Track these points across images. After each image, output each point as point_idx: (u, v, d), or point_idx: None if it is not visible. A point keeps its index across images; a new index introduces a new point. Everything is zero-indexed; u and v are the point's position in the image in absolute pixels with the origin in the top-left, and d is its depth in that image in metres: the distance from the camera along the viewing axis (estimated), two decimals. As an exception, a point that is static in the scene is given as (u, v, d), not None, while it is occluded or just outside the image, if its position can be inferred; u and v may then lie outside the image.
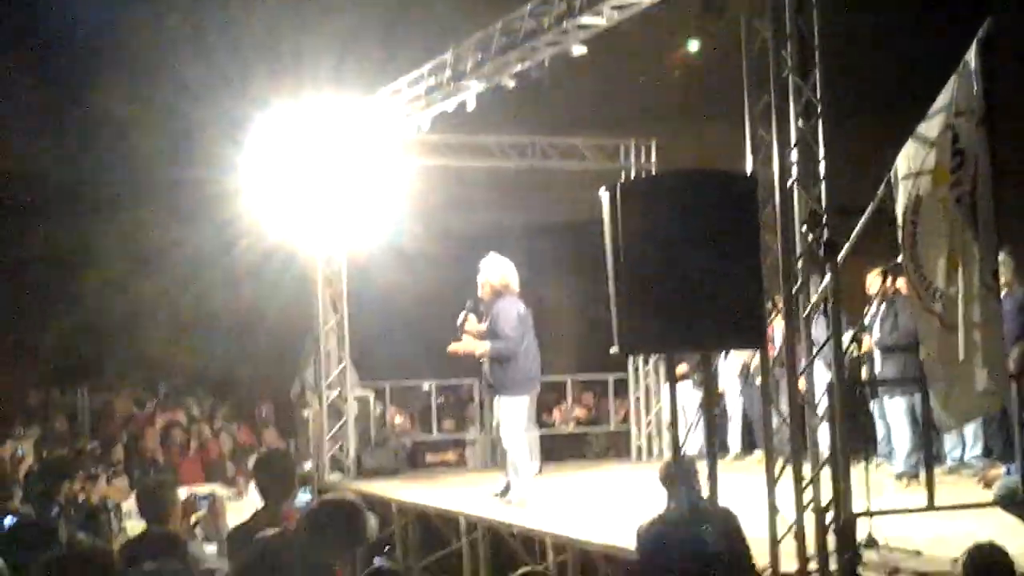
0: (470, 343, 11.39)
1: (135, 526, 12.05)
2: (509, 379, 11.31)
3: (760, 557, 7.59)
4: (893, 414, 11.70)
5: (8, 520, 6.30)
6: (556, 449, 16.05)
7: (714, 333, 6.24)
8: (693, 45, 9.08)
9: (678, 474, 6.93)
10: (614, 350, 6.48)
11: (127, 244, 19.46)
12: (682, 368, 14.14)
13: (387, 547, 11.00)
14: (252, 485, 14.07)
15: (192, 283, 18.86)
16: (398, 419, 16.61)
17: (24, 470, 11.38)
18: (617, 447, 17.00)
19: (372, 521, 6.19)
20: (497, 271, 11.37)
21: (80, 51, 17.54)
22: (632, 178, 13.97)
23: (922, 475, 11.17)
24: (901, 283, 10.20)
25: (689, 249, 6.14)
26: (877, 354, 11.70)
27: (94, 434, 15.47)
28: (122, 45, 16.53)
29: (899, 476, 11.29)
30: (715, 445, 6.87)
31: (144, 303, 19.83)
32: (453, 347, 11.51)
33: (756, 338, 6.52)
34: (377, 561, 6.75)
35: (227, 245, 14.76)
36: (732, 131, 8.42)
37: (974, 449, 11.76)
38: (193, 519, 8.00)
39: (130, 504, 12.76)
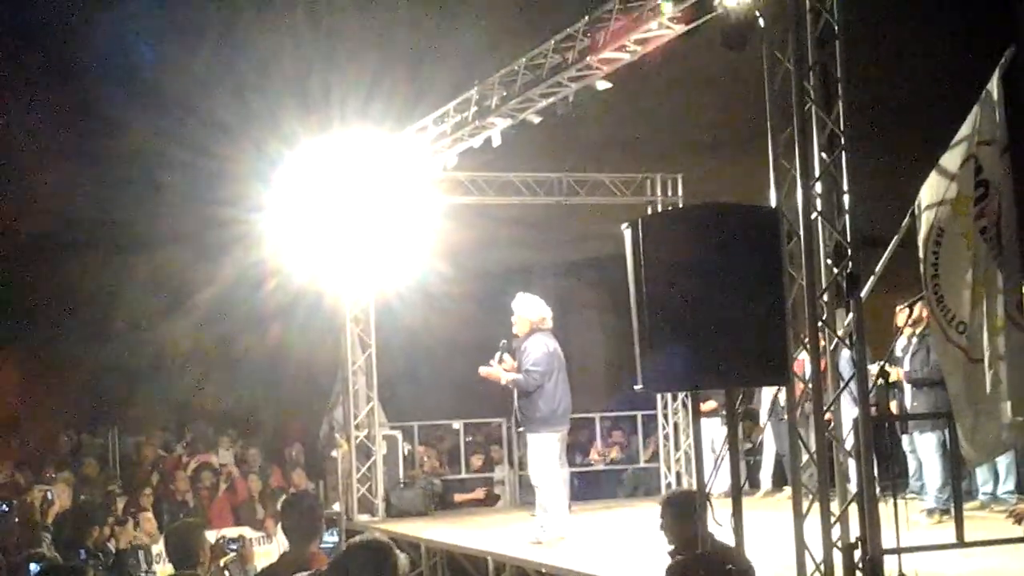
0: (497, 370, 11.37)
1: (164, 570, 12.09)
2: (538, 416, 11.32)
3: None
4: (924, 449, 11.57)
5: (34, 567, 6.29)
6: (587, 487, 15.95)
7: (738, 369, 6.17)
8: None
9: (687, 511, 6.89)
10: (638, 387, 6.43)
11: (156, 284, 19.54)
12: (711, 404, 14.09)
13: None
14: (280, 527, 14.15)
15: (220, 323, 18.89)
16: (426, 459, 16.54)
17: (53, 515, 11.38)
18: (647, 484, 16.90)
19: (403, 560, 6.13)
20: (532, 307, 11.47)
21: (111, 90, 17.65)
22: (653, 212, 13.95)
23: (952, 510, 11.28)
24: (930, 315, 10.13)
25: (712, 284, 6.08)
26: (908, 388, 11.59)
27: (124, 477, 15.46)
28: (153, 84, 16.62)
29: (929, 512, 11.15)
30: (739, 481, 6.79)
31: (173, 343, 19.88)
32: (483, 370, 11.49)
33: (781, 374, 6.45)
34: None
35: (256, 284, 14.77)
36: (758, 164, 8.38)
37: (1006, 484, 11.63)
38: (222, 563, 7.95)
39: (160, 547, 12.81)
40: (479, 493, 16.71)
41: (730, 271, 6.13)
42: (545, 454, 11.43)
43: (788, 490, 13.65)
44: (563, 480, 14.18)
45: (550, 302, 11.77)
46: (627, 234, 6.33)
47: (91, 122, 18.04)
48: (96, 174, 18.14)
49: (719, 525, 6.69)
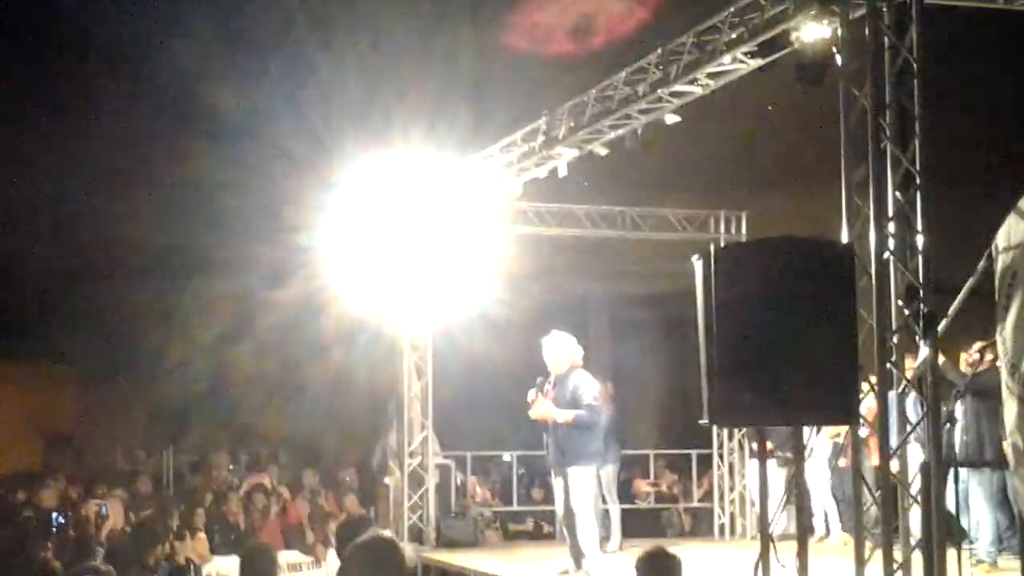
0: (552, 409, 11.23)
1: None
2: (585, 449, 11.21)
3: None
4: (975, 499, 11.34)
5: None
6: (638, 524, 15.77)
7: (807, 407, 6.06)
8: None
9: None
10: (704, 422, 6.32)
11: (218, 309, 19.64)
12: (768, 446, 13.91)
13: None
14: (330, 552, 14.10)
15: (281, 349, 18.94)
16: (478, 489, 16.46)
17: (107, 530, 11.40)
18: (698, 525, 16.72)
19: (409, 552, 6.10)
20: (571, 346, 11.34)
21: (174, 116, 17.81)
22: (726, 245, 13.84)
23: (1001, 562, 11.06)
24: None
25: (782, 319, 5.98)
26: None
27: (177, 497, 15.46)
28: (215, 109, 16.74)
29: (978, 562, 10.91)
30: (806, 523, 6.64)
31: (233, 367, 19.96)
32: (536, 412, 11.37)
33: (850, 413, 6.32)
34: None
35: (318, 310, 14.78)
36: (825, 202, 8.27)
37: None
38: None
39: (210, 567, 12.80)
40: (529, 525, 16.62)
41: (801, 307, 6.03)
42: (588, 487, 11.35)
43: (843, 535, 13.65)
44: (615, 516, 14.14)
45: (607, 334, 11.72)
46: (698, 266, 6.24)
47: (155, 149, 18.24)
48: (160, 201, 18.32)
49: (782, 567, 6.55)
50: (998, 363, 10.13)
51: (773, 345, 5.96)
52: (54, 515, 9.76)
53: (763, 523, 6.57)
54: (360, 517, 12.98)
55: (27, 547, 8.53)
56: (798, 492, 6.67)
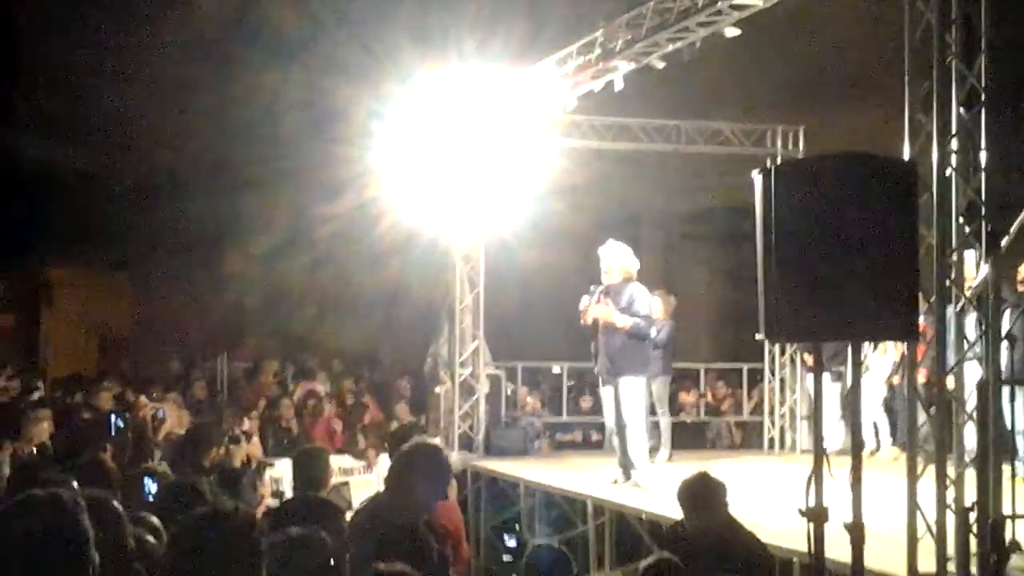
0: (612, 311, 11.21)
1: (266, 490, 12.26)
2: (638, 360, 11.34)
3: (897, 557, 7.39)
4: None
5: (149, 482, 6.38)
6: (688, 437, 15.87)
7: (867, 323, 5.99)
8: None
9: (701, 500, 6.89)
10: (760, 337, 6.29)
11: (274, 221, 19.77)
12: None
13: (517, 525, 10.98)
14: (382, 457, 14.28)
15: (337, 260, 19.06)
16: (528, 399, 16.56)
17: (163, 432, 11.59)
18: (748, 438, 16.78)
19: (454, 457, 6.24)
20: (626, 255, 11.41)
21: (229, 31, 17.80)
22: (787, 160, 13.71)
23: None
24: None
25: (843, 235, 5.89)
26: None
27: (231, 402, 15.68)
28: (269, 24, 16.72)
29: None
30: (861, 439, 6.62)
31: (287, 279, 20.13)
32: (594, 311, 11.35)
33: (909, 330, 6.25)
34: (508, 538, 6.75)
35: (372, 222, 14.82)
36: (883, 118, 8.16)
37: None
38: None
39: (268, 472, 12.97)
40: (577, 436, 16.74)
41: (863, 223, 5.94)
42: (641, 398, 11.50)
43: (893, 451, 13.66)
44: (665, 427, 14.22)
45: (659, 249, 11.75)
46: (758, 180, 6.16)
47: (210, 64, 18.26)
48: (216, 115, 18.38)
49: (834, 479, 6.56)
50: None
51: (832, 261, 5.89)
52: (112, 417, 9.91)
53: (817, 437, 6.54)
54: (411, 424, 13.14)
55: (86, 448, 8.68)
56: (853, 407, 6.64)
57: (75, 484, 4.42)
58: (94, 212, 20.31)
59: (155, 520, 4.46)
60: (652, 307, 11.54)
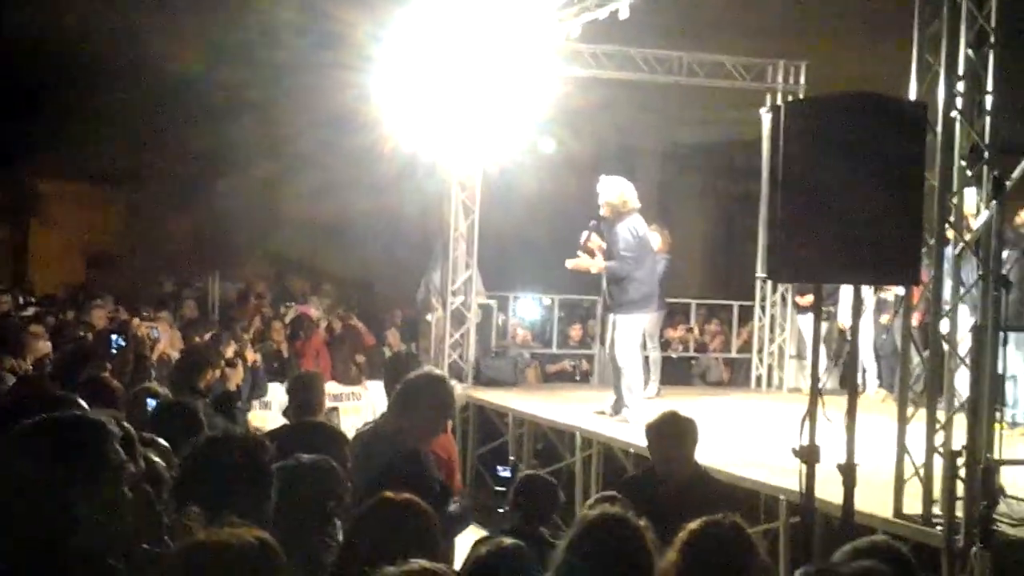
0: (585, 260, 11.45)
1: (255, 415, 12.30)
2: (626, 298, 11.39)
3: (883, 498, 7.43)
4: (1013, 360, 11.33)
5: (151, 402, 6.38)
6: (674, 372, 15.91)
7: (870, 266, 6.00)
8: None
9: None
10: (761, 276, 6.29)
11: (270, 146, 19.65)
12: (809, 299, 13.92)
13: (512, 458, 11.01)
14: (371, 384, 14.31)
15: (335, 186, 18.97)
16: (519, 330, 16.58)
17: (158, 352, 11.57)
18: (735, 375, 16.84)
19: (458, 389, 6.24)
20: (615, 190, 11.42)
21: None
22: (797, 98, 13.63)
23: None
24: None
25: (850, 177, 5.88)
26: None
27: (222, 322, 15.68)
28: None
29: (1014, 425, 10.95)
30: (856, 378, 6.64)
31: (285, 204, 20.05)
32: (570, 263, 11.56)
33: (911, 274, 6.26)
34: (502, 469, 6.76)
35: (371, 149, 14.72)
36: (886, 56, 8.08)
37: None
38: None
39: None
40: (565, 365, 16.79)
41: (870, 164, 5.92)
42: (632, 336, 11.56)
43: (880, 392, 13.73)
44: (654, 362, 14.25)
45: (654, 180, 11.74)
46: (766, 118, 6.13)
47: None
48: (209, 36, 18.19)
49: (829, 421, 6.58)
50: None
51: (839, 202, 5.87)
52: (113, 336, 9.89)
53: (814, 377, 6.56)
54: (407, 353, 13.15)
55: (85, 366, 8.67)
56: (852, 348, 6.65)
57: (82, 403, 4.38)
58: (89, 126, 20.14)
59: (163, 442, 4.45)
60: (643, 243, 11.52)
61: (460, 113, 14.06)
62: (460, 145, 14.47)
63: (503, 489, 6.45)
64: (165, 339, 12.13)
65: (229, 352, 10.62)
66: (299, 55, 17.25)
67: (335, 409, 13.01)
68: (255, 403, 12.56)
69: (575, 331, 16.78)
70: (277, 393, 12.91)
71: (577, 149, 16.97)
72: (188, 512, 3.69)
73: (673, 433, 6.99)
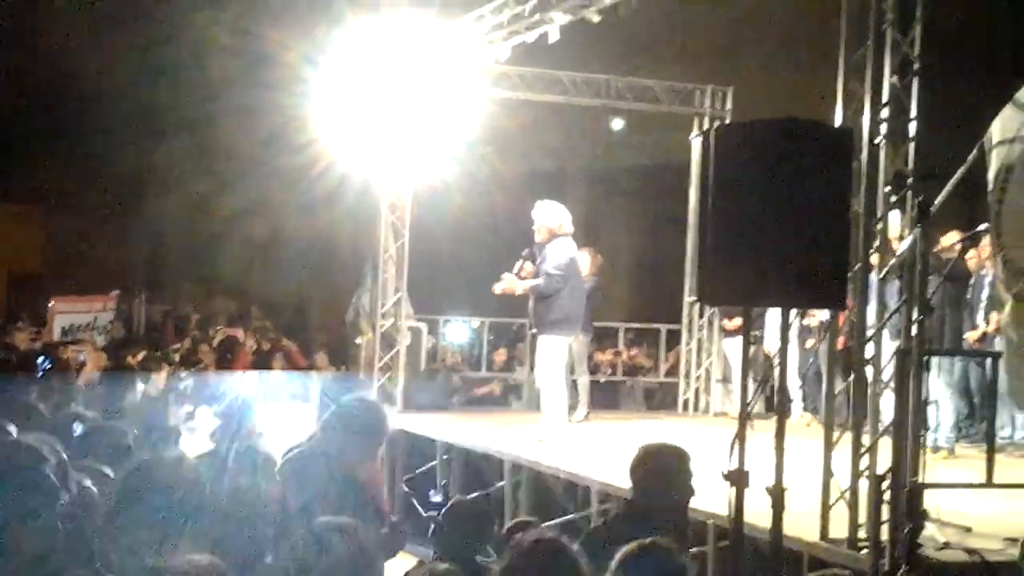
0: (512, 282, 11.55)
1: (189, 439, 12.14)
2: (551, 317, 11.48)
3: (810, 522, 7.49)
4: (936, 387, 11.52)
5: (79, 427, 6.28)
6: (604, 396, 15.96)
7: (799, 290, 6.06)
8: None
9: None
10: (692, 299, 6.35)
11: (203, 166, 19.50)
12: (737, 322, 14.06)
13: (443, 482, 10.98)
14: (299, 407, 14.20)
15: (267, 207, 18.86)
16: (449, 354, 16.55)
17: (85, 376, 11.41)
18: (662, 399, 16.90)
19: (389, 413, 6.20)
20: (551, 214, 11.56)
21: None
22: (729, 123, 13.74)
23: (958, 449, 11.35)
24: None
25: (780, 201, 5.93)
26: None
27: (148, 344, 15.49)
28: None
29: (935, 449, 11.10)
30: (787, 405, 6.70)
31: (216, 225, 19.88)
32: (497, 287, 11.70)
33: (839, 299, 6.35)
34: (434, 494, 6.74)
35: (303, 170, 14.66)
36: (812, 83, 8.19)
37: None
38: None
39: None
40: (494, 387, 16.77)
41: (799, 190, 5.99)
42: (555, 357, 11.61)
43: (798, 415, 13.88)
44: (583, 386, 14.29)
45: (582, 203, 11.87)
46: (697, 142, 6.21)
47: (136, 6, 17.90)
48: (139, 55, 18.05)
49: (757, 446, 6.63)
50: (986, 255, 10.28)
51: (768, 226, 5.93)
52: (40, 359, 9.74)
53: (742, 400, 6.61)
54: (346, 376, 13.07)
55: (11, 390, 8.51)
56: (781, 371, 6.71)
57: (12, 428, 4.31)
58: (14, 145, 19.88)
59: (99, 467, 4.39)
60: (572, 265, 11.63)
61: (390, 134, 14.07)
62: (391, 167, 14.46)
63: (434, 514, 6.42)
64: (91, 361, 11.97)
65: (161, 377, 10.43)
66: (231, 75, 17.16)
67: (261, 432, 12.86)
68: (182, 427, 12.39)
69: (499, 355, 16.76)
70: (204, 417, 12.78)
71: (507, 171, 17.05)
72: (137, 538, 3.63)
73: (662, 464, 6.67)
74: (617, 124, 10.84)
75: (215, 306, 18.93)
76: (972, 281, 11.63)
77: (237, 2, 16.17)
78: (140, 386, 8.53)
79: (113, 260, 21.09)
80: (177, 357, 14.49)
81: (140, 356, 12.21)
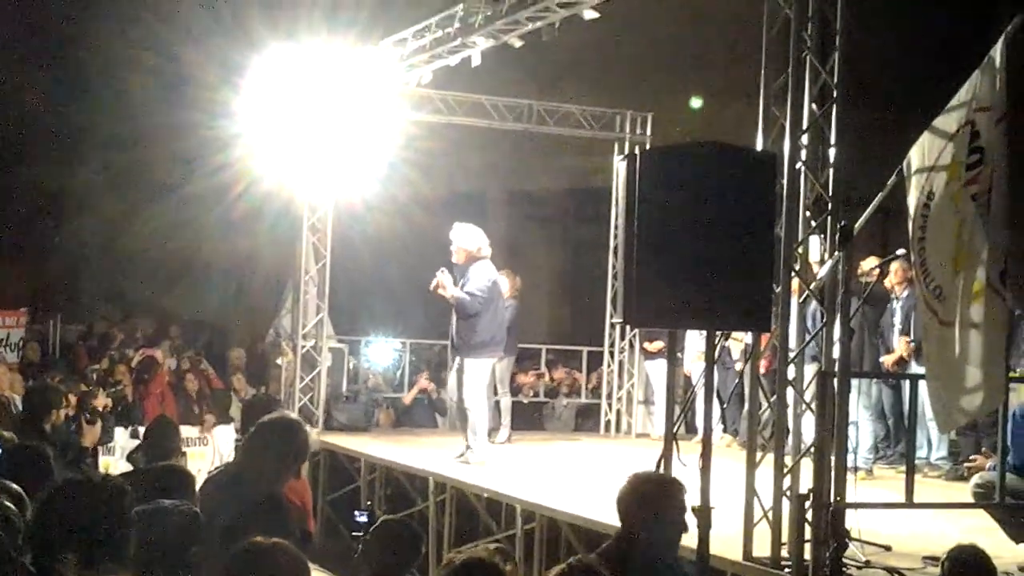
0: (447, 281, 11.40)
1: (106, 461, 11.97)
2: (476, 339, 11.46)
3: (733, 542, 7.55)
4: (854, 406, 11.66)
5: (-2, 447, 6.16)
6: (526, 418, 15.97)
7: (724, 313, 6.13)
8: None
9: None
10: (617, 321, 6.38)
11: (120, 185, 19.28)
12: (658, 344, 14.15)
13: (368, 503, 10.92)
14: (217, 429, 14.11)
15: (187, 228, 18.68)
16: (371, 375, 16.48)
17: (-1, 398, 11.22)
18: (584, 421, 16.94)
19: (313, 436, 6.15)
20: (471, 237, 11.53)
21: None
22: (654, 147, 13.84)
23: (876, 470, 11.51)
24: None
25: (705, 224, 6.01)
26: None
27: (65, 365, 15.26)
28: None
29: (854, 470, 11.23)
30: (711, 425, 6.76)
31: (134, 245, 19.66)
32: (440, 277, 11.47)
33: (763, 321, 6.42)
34: (359, 515, 6.69)
35: (224, 190, 14.55)
36: (729, 108, 8.29)
37: (939, 451, 11.81)
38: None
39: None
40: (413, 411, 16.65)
41: (723, 213, 6.07)
42: (480, 379, 11.62)
43: (718, 436, 13.96)
44: (505, 408, 14.30)
45: (503, 226, 11.86)
46: (622, 166, 6.24)
47: (56, 25, 17.69)
48: (62, 78, 17.84)
49: (684, 466, 6.69)
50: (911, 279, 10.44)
51: (692, 249, 5.99)
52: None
53: (668, 421, 6.69)
54: (267, 396, 12.98)
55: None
56: (707, 392, 6.76)
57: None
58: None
59: (16, 487, 4.31)
60: (495, 288, 11.63)
61: (311, 157, 14.04)
62: (311, 188, 14.43)
63: (360, 534, 6.38)
64: (5, 382, 11.76)
65: (92, 403, 10.22)
66: (150, 95, 17.02)
67: (184, 454, 12.71)
68: (99, 448, 12.22)
69: (423, 376, 16.70)
70: (121, 438, 12.64)
71: (429, 192, 17.06)
72: (63, 559, 3.57)
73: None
74: (590, 15, 10.60)
75: (133, 327, 18.70)
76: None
77: (156, 24, 16.03)
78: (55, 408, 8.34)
79: (28, 280, 20.76)
80: (94, 377, 14.25)
81: (57, 379, 11.99)
